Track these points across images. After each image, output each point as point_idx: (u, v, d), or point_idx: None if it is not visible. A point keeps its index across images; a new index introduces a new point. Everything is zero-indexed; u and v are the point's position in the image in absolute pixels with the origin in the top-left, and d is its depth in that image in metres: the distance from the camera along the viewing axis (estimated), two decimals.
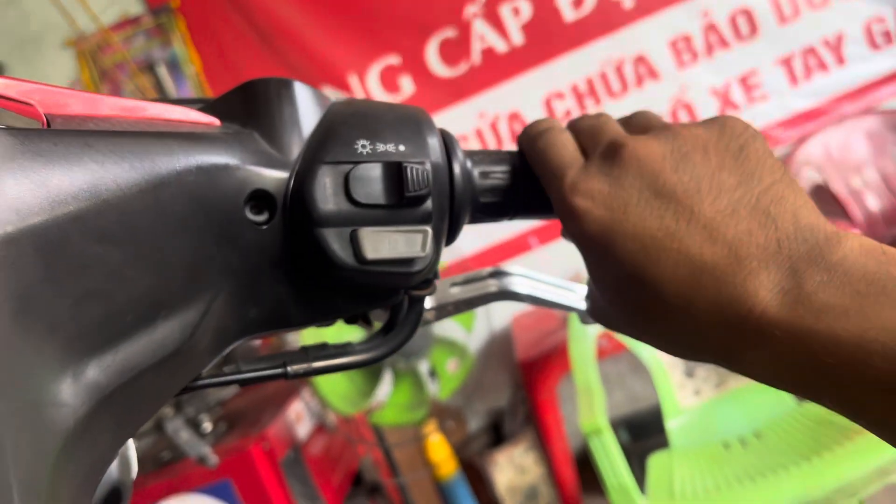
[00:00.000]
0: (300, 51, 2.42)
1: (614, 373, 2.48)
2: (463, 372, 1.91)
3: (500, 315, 2.41)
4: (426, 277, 0.35)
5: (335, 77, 2.44)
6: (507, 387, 2.60)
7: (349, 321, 0.41)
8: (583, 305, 0.47)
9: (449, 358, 1.88)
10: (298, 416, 2.00)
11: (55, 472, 0.26)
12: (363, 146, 0.32)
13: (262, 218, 0.31)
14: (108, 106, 0.31)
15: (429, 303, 0.42)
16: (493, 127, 2.47)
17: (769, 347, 0.27)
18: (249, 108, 0.33)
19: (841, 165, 2.32)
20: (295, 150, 0.32)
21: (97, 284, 0.27)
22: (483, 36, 2.44)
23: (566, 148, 0.34)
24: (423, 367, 1.85)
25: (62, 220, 0.25)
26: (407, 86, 2.46)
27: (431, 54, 2.45)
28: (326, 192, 0.31)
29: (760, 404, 1.70)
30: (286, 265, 0.32)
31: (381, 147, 0.32)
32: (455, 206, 0.34)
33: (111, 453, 0.32)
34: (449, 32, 2.44)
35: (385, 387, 1.81)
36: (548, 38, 2.43)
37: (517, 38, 2.44)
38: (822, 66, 2.39)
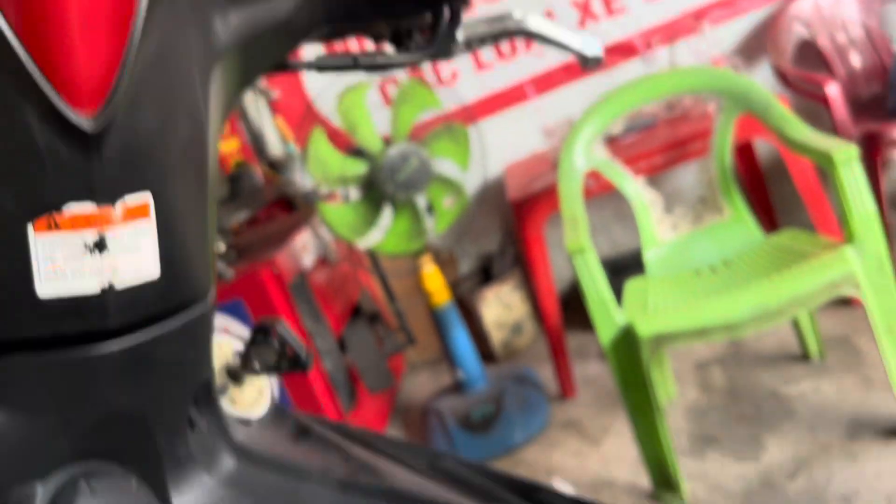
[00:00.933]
0: None
1: (599, 220, 2.62)
2: (458, 208, 2.04)
3: (494, 162, 2.52)
4: None
5: None
6: (498, 231, 2.75)
7: (393, 40, 0.51)
8: (587, 50, 0.56)
9: (445, 194, 2.01)
10: (304, 248, 2.15)
11: (211, 80, 0.38)
12: None
13: None
14: None
15: (461, 36, 0.52)
16: None
17: None
18: None
19: (829, 22, 2.38)
20: None
21: None
22: None
23: None
24: (421, 201, 1.97)
25: None
26: None
27: None
28: None
29: (732, 238, 1.85)
30: None
31: None
32: None
33: (237, 92, 0.44)
34: None
35: (386, 217, 1.94)
36: None
37: None
38: None
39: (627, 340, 1.59)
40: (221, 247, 1.85)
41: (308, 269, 2.12)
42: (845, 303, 2.07)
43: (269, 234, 2.31)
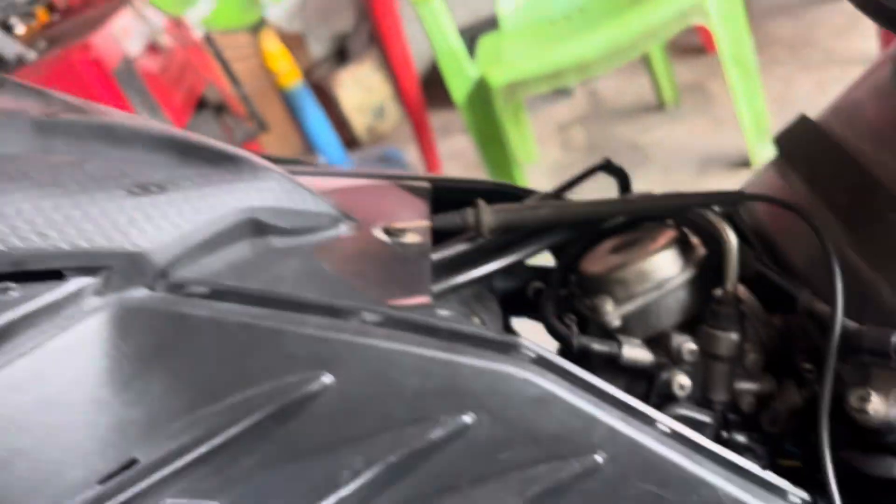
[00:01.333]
0: None
1: None
2: None
3: None
4: None
5: None
6: (350, 8, 2.55)
7: None
8: None
9: None
10: (125, 31, 1.90)
11: None
12: None
13: None
14: None
15: None
16: None
17: None
18: None
19: None
20: None
21: None
22: None
23: None
24: None
25: None
26: None
27: None
28: None
29: None
30: None
31: None
32: None
33: None
34: None
35: None
36: None
37: None
38: None
39: (482, 94, 1.52)
40: (21, 29, 1.60)
41: (134, 55, 1.89)
42: (700, 51, 2.07)
43: (84, 22, 2.03)
